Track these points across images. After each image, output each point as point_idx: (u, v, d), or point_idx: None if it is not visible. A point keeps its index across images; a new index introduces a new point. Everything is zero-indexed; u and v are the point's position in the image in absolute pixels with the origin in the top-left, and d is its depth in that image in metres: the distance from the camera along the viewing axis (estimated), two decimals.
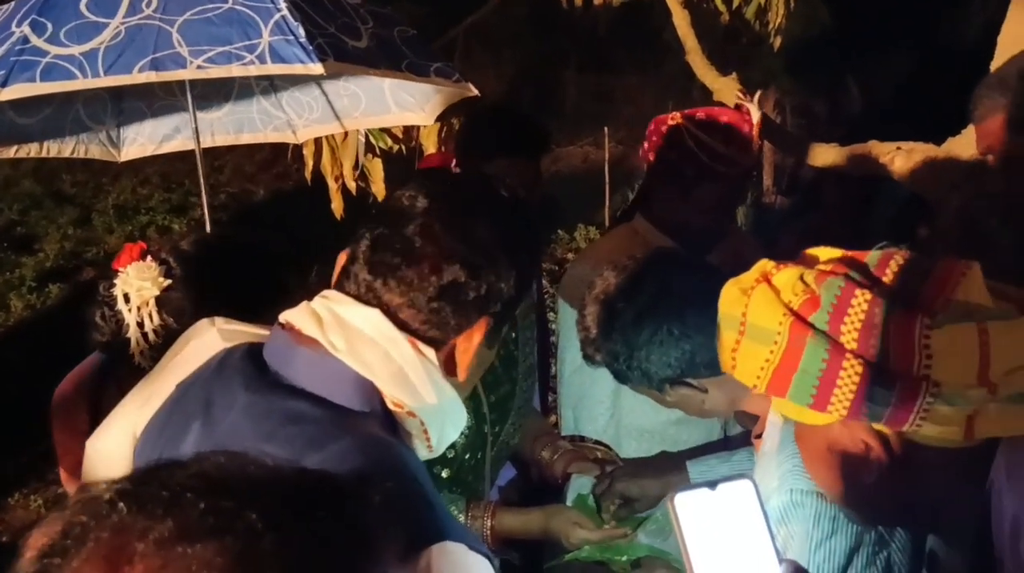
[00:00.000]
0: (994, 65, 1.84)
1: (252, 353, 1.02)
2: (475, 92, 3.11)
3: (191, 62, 2.52)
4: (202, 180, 3.06)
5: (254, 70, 2.63)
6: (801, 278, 0.96)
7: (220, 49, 2.53)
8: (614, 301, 1.36)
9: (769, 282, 0.98)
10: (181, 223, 7.38)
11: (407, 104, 3.34)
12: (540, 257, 1.10)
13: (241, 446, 0.89)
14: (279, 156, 8.32)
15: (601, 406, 1.96)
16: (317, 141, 4.14)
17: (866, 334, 0.91)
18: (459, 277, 0.95)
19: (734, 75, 2.99)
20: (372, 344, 0.95)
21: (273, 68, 2.60)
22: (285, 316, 1.01)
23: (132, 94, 3.55)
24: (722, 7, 3.77)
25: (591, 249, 2.10)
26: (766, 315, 0.96)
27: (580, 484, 1.77)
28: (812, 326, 0.93)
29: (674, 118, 1.98)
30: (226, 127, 3.75)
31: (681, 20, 3.27)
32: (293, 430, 0.90)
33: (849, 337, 0.92)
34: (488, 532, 1.66)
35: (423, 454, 1.01)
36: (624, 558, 1.65)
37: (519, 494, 2.10)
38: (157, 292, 1.33)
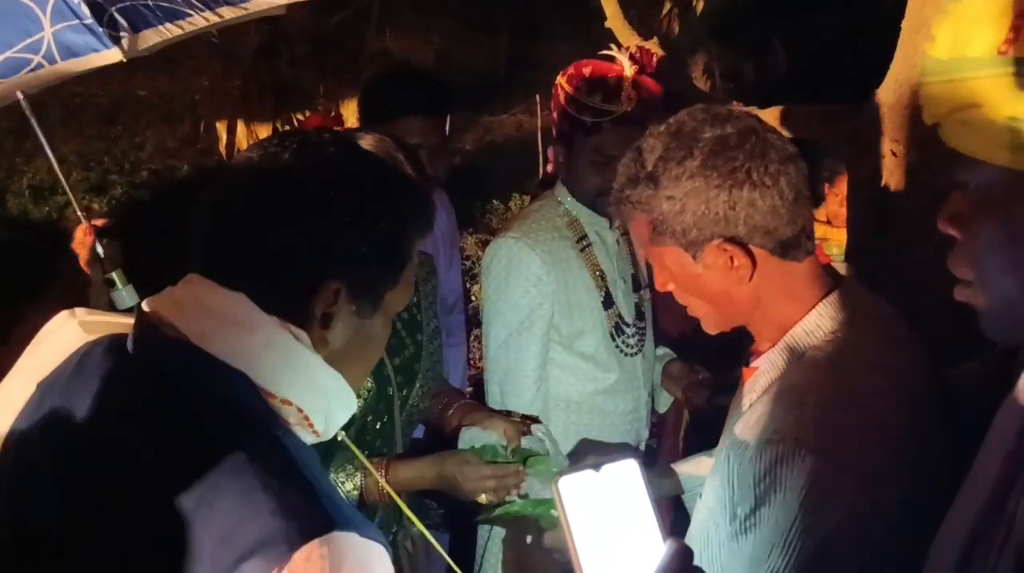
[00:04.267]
0: (904, 24, 1.84)
1: (115, 346, 0.94)
2: None
3: None
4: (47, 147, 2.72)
5: (44, 74, 2.26)
6: None
7: (1, 57, 2.20)
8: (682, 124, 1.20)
9: None
10: (101, 203, 7.13)
11: None
12: (422, 219, 1.03)
13: (115, 454, 0.84)
14: (201, 132, 8.08)
15: (527, 380, 1.94)
16: (231, 118, 3.95)
17: None
18: (289, 239, 0.89)
19: (655, 39, 2.98)
20: (239, 330, 0.89)
21: (65, 67, 2.25)
22: (148, 302, 0.94)
23: None
24: None
25: (515, 220, 2.05)
26: None
27: (471, 436, 1.74)
28: None
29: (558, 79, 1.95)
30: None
31: None
32: (171, 430, 0.84)
33: None
34: (383, 487, 1.64)
35: (309, 439, 0.96)
36: (555, 512, 1.63)
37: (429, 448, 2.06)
38: None
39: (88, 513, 0.83)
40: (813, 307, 1.21)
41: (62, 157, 8.07)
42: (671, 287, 1.28)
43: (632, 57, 1.85)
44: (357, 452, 1.50)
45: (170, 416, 0.85)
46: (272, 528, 0.76)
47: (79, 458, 0.86)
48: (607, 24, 3.27)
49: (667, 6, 3.90)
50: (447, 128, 2.15)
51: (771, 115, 2.47)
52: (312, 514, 0.80)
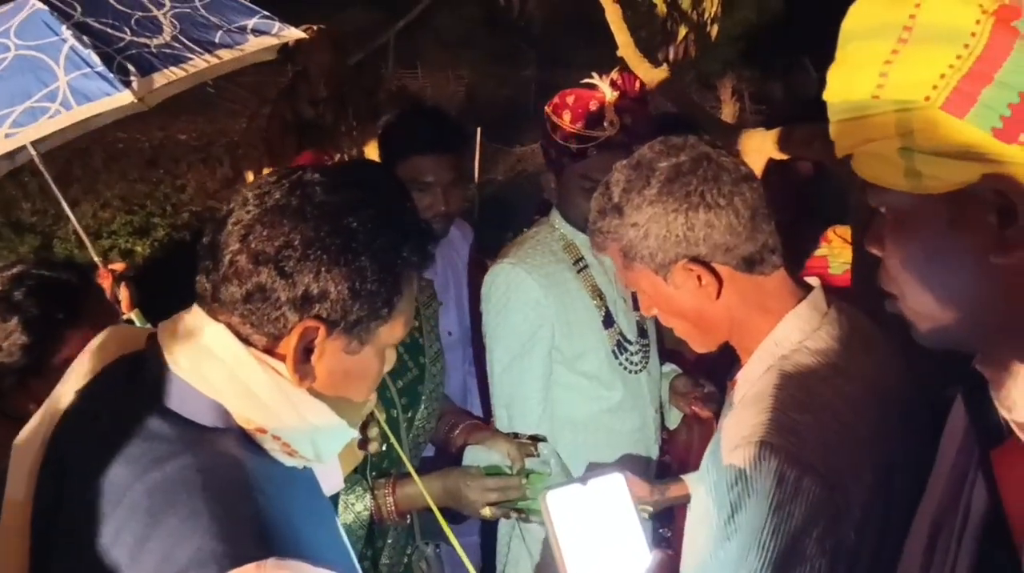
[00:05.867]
0: None
1: (135, 364, 1.01)
2: (300, 34, 2.97)
3: None
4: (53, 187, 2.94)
5: (62, 120, 2.46)
6: None
7: (21, 107, 2.41)
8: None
9: None
10: (144, 245, 7.35)
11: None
12: (413, 256, 1.02)
13: (99, 463, 0.91)
14: (241, 173, 8.29)
15: (531, 402, 1.98)
16: (260, 161, 4.09)
17: None
18: (264, 279, 0.93)
19: (664, 67, 3.03)
20: (217, 362, 0.94)
21: (81, 111, 2.45)
22: (159, 326, 1.01)
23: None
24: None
25: (511, 247, 2.10)
26: (955, 11, 0.79)
27: (475, 454, 1.80)
28: (1018, 31, 0.77)
29: None
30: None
31: (613, 15, 3.29)
32: (143, 447, 0.90)
33: None
34: (392, 506, 1.72)
35: (293, 463, 1.00)
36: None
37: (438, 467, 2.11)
38: None
39: (79, 514, 0.90)
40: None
41: (106, 201, 8.36)
42: (655, 311, 1.35)
43: (613, 83, 1.90)
44: (405, 458, 1.56)
45: (143, 436, 0.92)
46: (208, 549, 0.81)
47: (84, 465, 0.93)
48: (619, 53, 3.33)
49: (682, 32, 3.94)
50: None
51: (774, 136, 2.51)
52: (253, 539, 0.83)
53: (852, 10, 0.87)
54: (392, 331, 1.03)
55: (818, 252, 3.07)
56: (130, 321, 2.18)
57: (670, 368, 2.24)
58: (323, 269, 0.93)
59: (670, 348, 2.30)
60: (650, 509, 1.65)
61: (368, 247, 0.96)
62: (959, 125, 0.79)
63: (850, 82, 0.86)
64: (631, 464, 2.01)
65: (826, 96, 0.90)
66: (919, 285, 0.89)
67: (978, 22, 0.78)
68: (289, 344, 0.95)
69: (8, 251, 7.06)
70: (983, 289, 0.84)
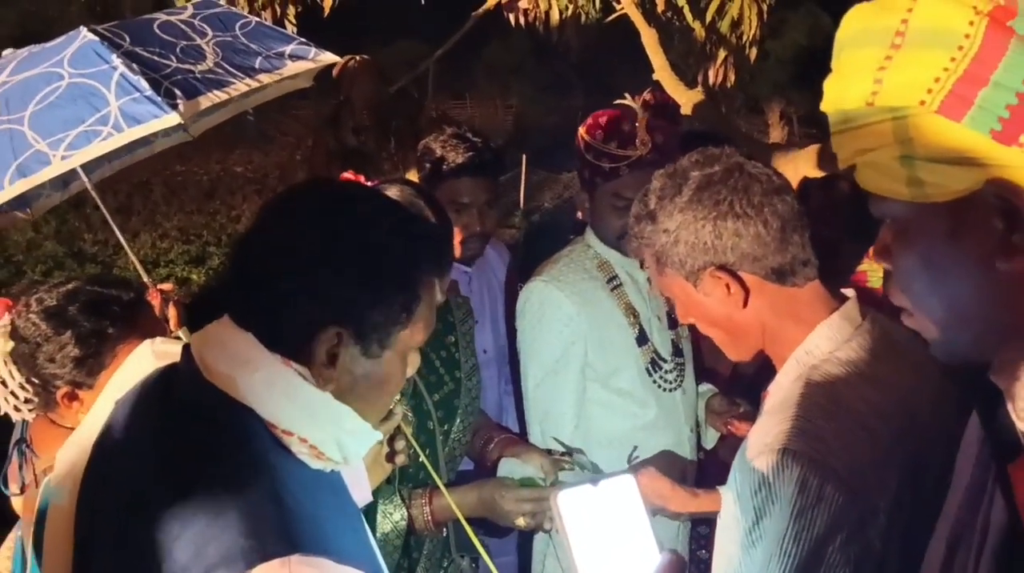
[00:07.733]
0: None
1: (166, 375, 1.06)
2: (336, 58, 3.08)
3: (53, 155, 2.54)
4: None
5: (113, 142, 2.60)
6: None
7: (75, 132, 2.55)
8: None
9: None
10: (200, 273, 7.56)
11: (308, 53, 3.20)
12: (429, 268, 1.06)
13: (134, 467, 0.97)
14: None
15: (565, 417, 2.00)
16: None
17: None
18: (287, 288, 0.97)
19: (699, 89, 3.08)
20: (246, 369, 0.98)
21: (132, 133, 2.58)
22: (193, 337, 1.06)
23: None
24: (694, 23, 3.83)
25: (545, 265, 2.13)
26: (948, 14, 0.78)
27: (509, 467, 1.82)
28: (1014, 31, 0.76)
29: None
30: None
31: (649, 38, 3.34)
32: (176, 451, 0.95)
33: None
34: (429, 516, 1.74)
35: (320, 465, 1.03)
36: None
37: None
38: None
39: (115, 517, 0.96)
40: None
41: (165, 232, 8.62)
42: (691, 319, 1.36)
43: (645, 103, 1.94)
44: (432, 472, 1.60)
45: (176, 441, 0.97)
46: (237, 546, 0.85)
47: (120, 469, 0.99)
48: (655, 76, 3.38)
49: (721, 56, 3.97)
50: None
51: (807, 154, 2.53)
52: (279, 536, 0.87)
53: (846, 19, 0.87)
54: (412, 336, 1.06)
55: (860, 266, 3.06)
56: (178, 338, 2.28)
57: (707, 387, 2.24)
58: (343, 279, 0.98)
59: (707, 366, 2.31)
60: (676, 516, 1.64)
61: (388, 258, 1.00)
62: (956, 129, 0.78)
63: (845, 91, 0.85)
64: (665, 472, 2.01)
65: (823, 107, 0.90)
66: (926, 296, 0.88)
67: (972, 23, 0.77)
68: (313, 349, 0.99)
69: None
70: (990, 296, 0.83)
